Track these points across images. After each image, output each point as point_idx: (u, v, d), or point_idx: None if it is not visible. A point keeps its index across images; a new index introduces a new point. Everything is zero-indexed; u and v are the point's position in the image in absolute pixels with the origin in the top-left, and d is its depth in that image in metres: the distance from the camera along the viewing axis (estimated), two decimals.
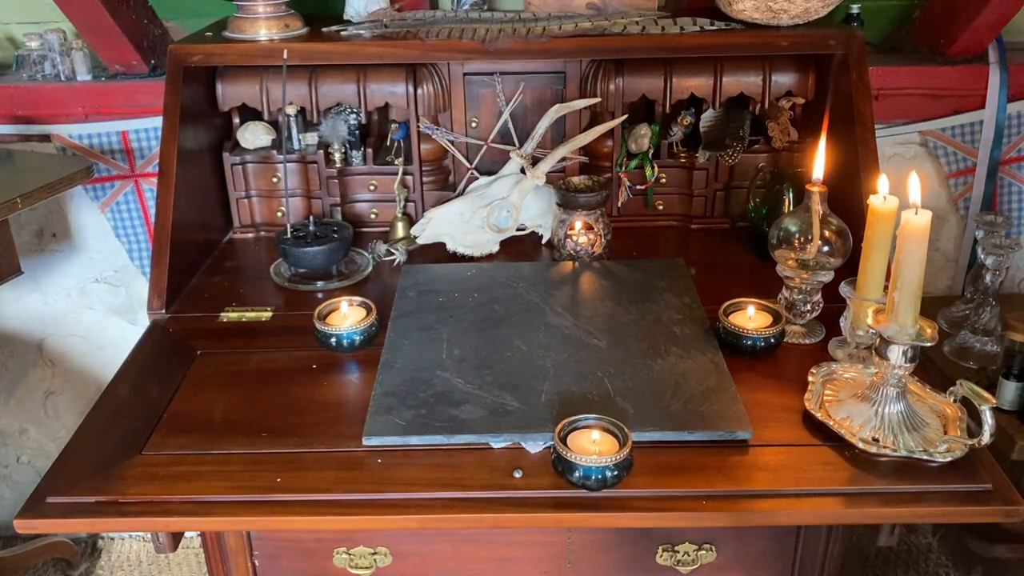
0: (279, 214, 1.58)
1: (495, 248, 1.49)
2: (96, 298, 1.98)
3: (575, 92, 1.54)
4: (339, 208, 1.58)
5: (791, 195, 1.43)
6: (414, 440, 1.01)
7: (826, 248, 1.20)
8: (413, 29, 1.44)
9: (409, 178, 1.56)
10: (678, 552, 1.13)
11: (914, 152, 1.83)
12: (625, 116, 1.51)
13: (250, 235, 1.59)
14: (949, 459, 0.96)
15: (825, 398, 1.06)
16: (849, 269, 1.19)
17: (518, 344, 1.18)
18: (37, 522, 0.93)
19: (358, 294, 1.28)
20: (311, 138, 1.56)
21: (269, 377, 1.15)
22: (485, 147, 1.56)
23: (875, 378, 1.01)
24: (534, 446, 1.00)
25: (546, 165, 1.47)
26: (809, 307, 1.21)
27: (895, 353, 0.97)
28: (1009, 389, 1.54)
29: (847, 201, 1.36)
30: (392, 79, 1.49)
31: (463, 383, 1.10)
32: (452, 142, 1.55)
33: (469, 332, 1.21)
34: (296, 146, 1.57)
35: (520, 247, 1.51)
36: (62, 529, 0.99)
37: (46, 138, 1.76)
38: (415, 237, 1.50)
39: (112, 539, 2.22)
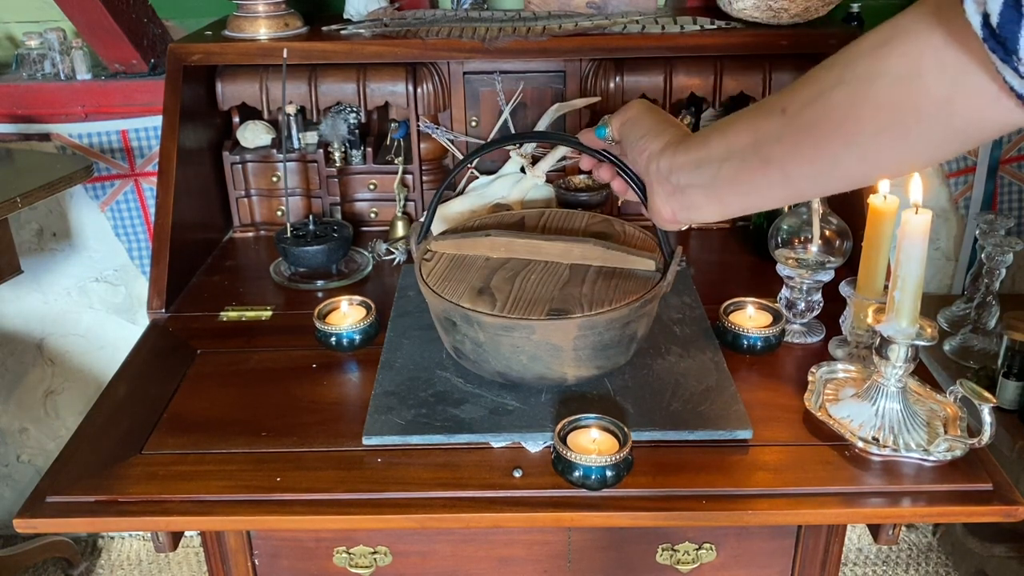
0: (279, 213, 1.58)
1: None
2: (96, 297, 1.98)
3: (575, 91, 1.54)
4: (339, 207, 1.58)
5: None
6: (414, 439, 1.01)
7: (826, 248, 1.20)
8: (413, 28, 1.44)
9: (409, 177, 1.56)
10: (678, 551, 1.13)
11: None
12: None
13: (250, 234, 1.59)
14: (949, 459, 0.96)
15: (825, 397, 1.06)
16: (849, 269, 1.19)
17: None
18: (37, 521, 0.93)
19: (358, 293, 1.28)
20: (311, 137, 1.56)
21: (269, 377, 1.15)
22: None
23: (875, 377, 1.01)
24: (534, 445, 1.00)
25: (546, 164, 1.47)
26: (809, 307, 1.21)
27: (895, 352, 0.97)
28: (1009, 389, 1.54)
29: (847, 201, 1.36)
30: (392, 78, 1.49)
31: (463, 383, 1.10)
32: (452, 141, 1.55)
33: None
34: (296, 145, 1.56)
35: None
36: (62, 529, 0.99)
37: (46, 137, 1.76)
38: None
39: (112, 538, 2.22)
